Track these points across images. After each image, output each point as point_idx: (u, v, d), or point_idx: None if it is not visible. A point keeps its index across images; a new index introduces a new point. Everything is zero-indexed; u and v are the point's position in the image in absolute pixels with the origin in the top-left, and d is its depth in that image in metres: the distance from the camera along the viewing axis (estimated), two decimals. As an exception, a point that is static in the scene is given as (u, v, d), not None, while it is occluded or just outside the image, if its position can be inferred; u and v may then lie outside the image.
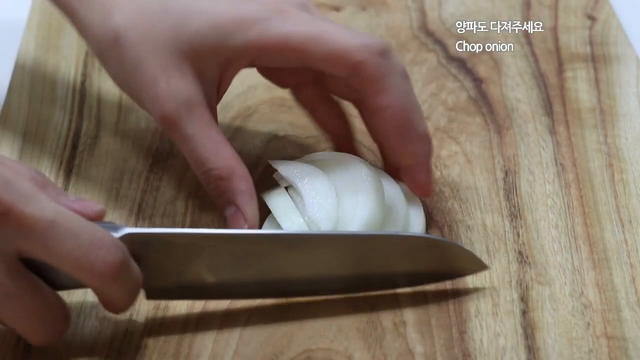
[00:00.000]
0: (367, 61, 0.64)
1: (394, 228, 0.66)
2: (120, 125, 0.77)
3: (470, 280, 0.65)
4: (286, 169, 0.66)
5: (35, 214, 0.55)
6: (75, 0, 0.66)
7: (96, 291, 0.58)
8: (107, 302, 0.59)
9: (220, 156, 0.64)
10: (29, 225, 0.55)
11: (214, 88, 0.66)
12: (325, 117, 0.71)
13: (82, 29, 0.66)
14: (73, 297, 0.64)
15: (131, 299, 0.59)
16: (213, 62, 0.65)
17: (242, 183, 0.64)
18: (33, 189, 0.56)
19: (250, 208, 0.64)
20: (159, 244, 0.59)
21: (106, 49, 0.65)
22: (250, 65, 0.67)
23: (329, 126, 0.71)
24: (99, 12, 0.64)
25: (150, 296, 0.61)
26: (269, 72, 0.70)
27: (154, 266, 0.60)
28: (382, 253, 0.62)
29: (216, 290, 0.61)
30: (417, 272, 0.63)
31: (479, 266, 0.64)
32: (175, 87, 0.64)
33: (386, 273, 0.62)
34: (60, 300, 0.58)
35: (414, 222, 0.67)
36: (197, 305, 0.63)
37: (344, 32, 0.64)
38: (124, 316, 0.62)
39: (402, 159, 0.67)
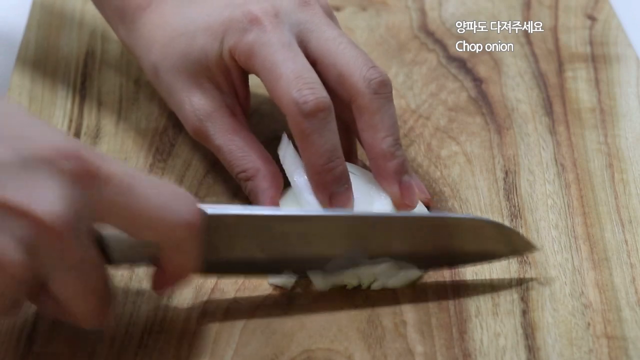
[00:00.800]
0: (292, 117, 0.65)
1: None
2: (120, 125, 0.77)
3: (471, 280, 0.65)
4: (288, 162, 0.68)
5: (119, 170, 0.55)
6: (129, 39, 0.73)
7: (169, 250, 0.58)
8: (173, 268, 0.59)
9: (246, 159, 0.68)
10: (115, 181, 0.55)
11: (232, 97, 0.70)
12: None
13: (139, 61, 0.73)
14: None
15: (196, 266, 0.60)
16: (219, 72, 0.69)
17: (265, 182, 0.68)
18: (102, 153, 0.57)
19: (269, 205, 0.67)
20: (213, 223, 0.60)
21: (153, 80, 0.72)
22: (244, 69, 0.69)
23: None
24: (144, 47, 0.71)
25: (203, 271, 0.61)
26: None
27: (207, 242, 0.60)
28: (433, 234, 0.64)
29: (264, 266, 0.63)
30: (473, 252, 0.65)
31: (528, 247, 0.66)
32: (198, 104, 0.69)
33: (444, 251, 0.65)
34: (110, 279, 0.58)
35: None
36: (197, 305, 0.63)
37: (288, 77, 0.65)
38: (124, 316, 0.62)
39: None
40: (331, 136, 0.65)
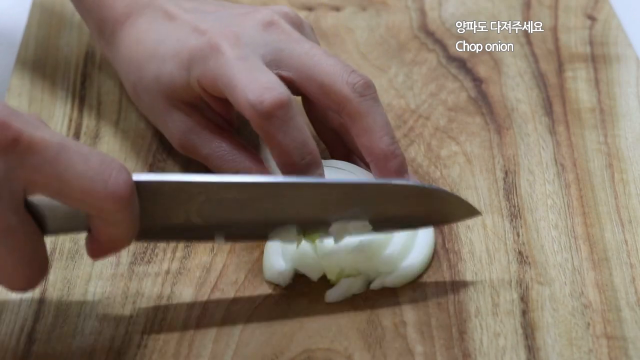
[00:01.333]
0: (252, 120, 0.64)
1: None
2: (120, 125, 0.77)
3: (471, 281, 0.65)
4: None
5: (45, 138, 0.55)
6: (110, 52, 0.73)
7: (100, 221, 0.58)
8: (106, 238, 0.59)
9: (237, 161, 0.68)
10: (40, 149, 0.55)
11: (210, 111, 0.70)
12: (320, 129, 0.73)
13: (119, 77, 0.73)
14: (73, 296, 0.64)
15: (131, 236, 0.59)
16: (191, 96, 0.69)
17: None
18: (36, 120, 0.57)
19: None
20: (149, 191, 0.60)
21: (133, 98, 0.73)
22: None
23: (324, 137, 0.73)
24: (123, 65, 0.72)
25: (138, 237, 0.61)
26: None
27: (143, 209, 0.60)
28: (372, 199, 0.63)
29: (202, 231, 0.62)
30: (408, 216, 0.64)
31: (470, 212, 0.65)
32: (179, 121, 0.70)
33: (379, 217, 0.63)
34: (45, 246, 0.58)
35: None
36: (197, 305, 0.63)
37: (243, 83, 0.64)
38: (124, 316, 0.62)
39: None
40: (296, 133, 0.64)
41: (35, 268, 0.57)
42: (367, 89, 0.66)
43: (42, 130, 0.56)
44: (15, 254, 0.56)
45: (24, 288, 0.57)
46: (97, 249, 0.59)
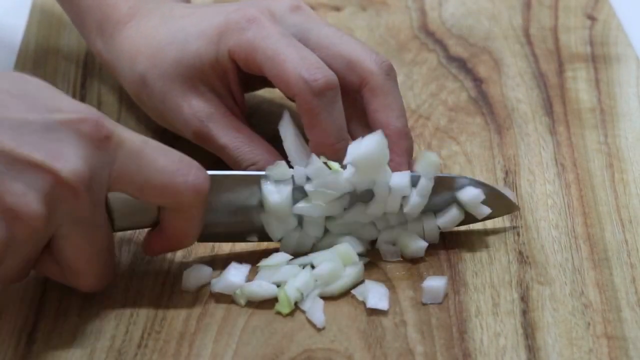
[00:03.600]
0: (301, 96, 0.66)
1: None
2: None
3: (471, 281, 0.65)
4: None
5: (132, 136, 0.60)
6: (108, 53, 0.73)
7: (174, 215, 0.61)
8: (175, 233, 0.62)
9: (254, 153, 0.69)
10: (128, 146, 0.60)
11: (229, 99, 0.71)
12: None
13: (118, 77, 0.73)
14: (73, 297, 0.64)
15: (198, 232, 0.63)
16: (215, 76, 0.70)
17: None
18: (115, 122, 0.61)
19: None
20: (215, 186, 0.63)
21: (139, 91, 0.72)
22: (244, 70, 0.70)
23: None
24: (127, 60, 0.72)
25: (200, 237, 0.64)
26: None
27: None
28: None
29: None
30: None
31: (509, 208, 0.69)
32: (197, 107, 0.70)
33: None
34: (114, 245, 0.62)
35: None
36: (197, 305, 0.63)
37: (294, 59, 0.66)
38: (124, 316, 0.62)
39: None
40: (339, 116, 0.67)
41: (106, 265, 0.61)
42: (392, 71, 0.69)
43: (127, 131, 0.60)
44: (91, 247, 0.59)
45: (93, 286, 0.61)
46: (161, 244, 0.63)
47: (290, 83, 0.66)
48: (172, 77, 0.70)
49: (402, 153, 0.68)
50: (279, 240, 0.66)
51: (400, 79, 0.81)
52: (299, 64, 0.66)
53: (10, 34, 0.88)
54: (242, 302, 0.63)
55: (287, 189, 0.65)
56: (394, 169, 0.66)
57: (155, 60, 0.70)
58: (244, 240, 0.66)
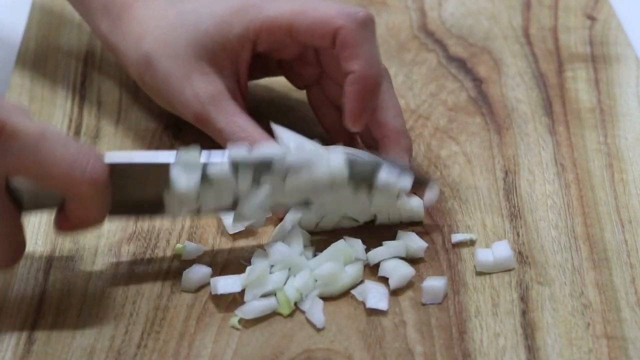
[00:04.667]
0: (345, 27, 0.68)
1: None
2: (120, 125, 0.77)
3: (470, 281, 0.65)
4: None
5: (27, 127, 0.59)
6: (113, 35, 0.73)
7: (74, 203, 0.61)
8: (78, 219, 0.62)
9: (249, 140, 0.68)
10: (22, 137, 0.58)
11: (234, 82, 0.71)
12: (325, 114, 0.74)
13: (122, 58, 0.73)
14: (73, 296, 0.64)
15: (101, 217, 0.62)
16: (225, 57, 0.70)
17: None
18: (17, 110, 0.60)
19: None
20: (121, 171, 0.63)
21: (142, 71, 0.72)
22: (256, 51, 0.71)
23: (327, 122, 0.74)
24: (133, 40, 0.72)
25: (109, 215, 0.63)
26: (284, 71, 0.75)
27: (115, 186, 0.62)
28: None
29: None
30: None
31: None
32: (200, 88, 0.70)
33: None
34: (22, 227, 0.61)
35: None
36: (197, 305, 0.63)
37: (327, 4, 0.69)
38: (124, 316, 0.62)
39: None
40: (377, 50, 0.69)
41: (15, 247, 0.61)
42: (369, 21, 0.69)
43: (24, 119, 0.59)
44: None
45: (3, 266, 0.61)
46: (68, 225, 0.63)
47: (333, 18, 0.68)
48: (179, 57, 0.70)
49: (403, 153, 0.68)
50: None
51: (400, 79, 0.82)
52: (335, 6, 0.68)
53: (10, 32, 0.88)
54: (237, 325, 0.63)
55: (194, 177, 0.64)
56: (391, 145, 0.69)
57: (165, 41, 0.70)
58: (152, 215, 0.66)
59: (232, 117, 0.69)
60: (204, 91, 0.70)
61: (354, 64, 0.68)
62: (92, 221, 0.62)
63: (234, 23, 0.70)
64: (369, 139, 0.72)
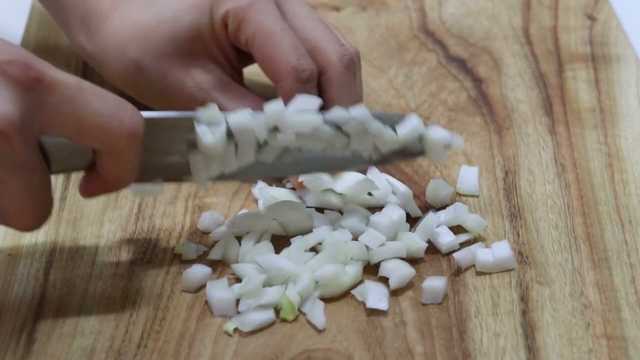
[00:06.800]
0: (287, 82, 0.68)
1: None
2: (120, 125, 0.77)
3: (470, 281, 0.65)
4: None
5: (65, 78, 0.58)
6: (93, 47, 0.73)
7: (109, 158, 0.60)
8: (112, 175, 0.61)
9: None
10: (60, 88, 0.58)
11: (229, 67, 0.72)
12: None
13: (106, 70, 0.73)
14: (73, 296, 0.64)
15: (133, 174, 0.62)
16: (214, 45, 0.71)
17: None
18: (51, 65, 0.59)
19: None
20: (150, 126, 0.62)
21: (133, 79, 0.72)
22: (230, 37, 0.71)
23: None
24: (116, 50, 0.72)
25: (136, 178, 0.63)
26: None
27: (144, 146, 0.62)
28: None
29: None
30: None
31: None
32: (200, 79, 0.71)
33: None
34: (51, 185, 0.60)
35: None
36: (197, 305, 0.63)
37: (288, 46, 0.69)
38: (124, 316, 0.62)
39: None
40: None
41: (44, 206, 0.60)
42: (352, 64, 0.70)
43: (60, 72, 0.58)
44: (28, 190, 0.58)
45: (31, 226, 0.60)
46: (97, 187, 0.62)
47: (280, 67, 0.68)
48: (169, 55, 0.71)
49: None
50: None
51: (400, 79, 0.82)
52: (291, 52, 0.68)
53: (10, 33, 0.88)
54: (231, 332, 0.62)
55: (220, 130, 0.64)
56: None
57: (148, 44, 0.71)
58: (180, 180, 0.65)
59: (240, 99, 0.70)
60: (205, 80, 0.71)
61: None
62: (123, 179, 0.62)
63: (213, 11, 0.70)
64: None
